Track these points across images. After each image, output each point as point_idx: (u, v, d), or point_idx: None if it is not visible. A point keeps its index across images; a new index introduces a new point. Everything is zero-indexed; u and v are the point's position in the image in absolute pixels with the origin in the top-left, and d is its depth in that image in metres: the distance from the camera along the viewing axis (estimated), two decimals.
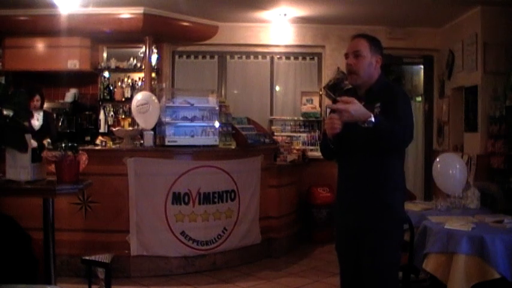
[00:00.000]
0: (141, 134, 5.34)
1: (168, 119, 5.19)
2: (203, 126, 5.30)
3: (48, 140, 5.22)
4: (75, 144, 3.16)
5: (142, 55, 7.26)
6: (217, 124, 5.35)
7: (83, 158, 3.17)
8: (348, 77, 2.82)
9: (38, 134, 5.01)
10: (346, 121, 2.44)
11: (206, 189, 5.12)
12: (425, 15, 6.76)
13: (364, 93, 2.76)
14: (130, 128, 6.34)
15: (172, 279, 4.90)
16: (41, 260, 3.02)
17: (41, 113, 5.97)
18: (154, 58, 7.36)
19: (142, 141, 5.25)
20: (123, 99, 7.29)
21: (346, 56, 2.77)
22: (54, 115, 7.07)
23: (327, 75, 7.62)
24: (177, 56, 7.83)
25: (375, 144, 2.56)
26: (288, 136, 7.37)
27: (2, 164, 3.03)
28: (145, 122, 5.28)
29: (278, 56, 7.87)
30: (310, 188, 6.76)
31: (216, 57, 7.87)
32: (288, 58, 7.89)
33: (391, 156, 2.68)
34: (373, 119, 2.42)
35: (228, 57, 7.86)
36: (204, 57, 7.88)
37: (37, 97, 5.89)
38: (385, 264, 2.67)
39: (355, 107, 2.42)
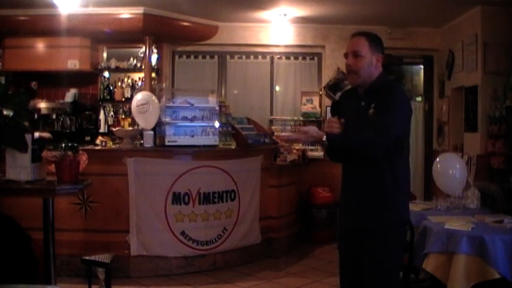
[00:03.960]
0: (141, 134, 5.33)
1: (168, 119, 5.19)
2: (203, 126, 5.30)
3: None
4: (75, 144, 3.16)
5: (142, 55, 7.25)
6: (217, 124, 5.35)
7: (83, 158, 3.16)
8: (348, 76, 2.79)
9: None
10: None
11: (206, 189, 5.12)
12: (425, 15, 6.75)
13: (363, 92, 2.74)
14: (131, 128, 6.33)
15: (172, 279, 4.90)
16: (41, 260, 3.02)
17: None
18: (154, 58, 7.35)
19: (142, 141, 5.25)
20: (123, 99, 7.28)
21: (346, 55, 2.73)
22: (54, 115, 7.09)
23: (327, 75, 7.62)
24: (177, 56, 7.82)
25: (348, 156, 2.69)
26: None
27: (2, 164, 3.03)
28: (145, 122, 5.28)
29: (278, 56, 7.87)
30: (310, 188, 6.76)
31: (216, 57, 7.86)
32: (288, 58, 7.88)
33: (391, 157, 2.63)
34: (324, 139, 2.55)
35: (228, 57, 7.86)
36: (204, 57, 7.87)
37: None
38: (385, 265, 2.65)
39: (306, 136, 2.60)
